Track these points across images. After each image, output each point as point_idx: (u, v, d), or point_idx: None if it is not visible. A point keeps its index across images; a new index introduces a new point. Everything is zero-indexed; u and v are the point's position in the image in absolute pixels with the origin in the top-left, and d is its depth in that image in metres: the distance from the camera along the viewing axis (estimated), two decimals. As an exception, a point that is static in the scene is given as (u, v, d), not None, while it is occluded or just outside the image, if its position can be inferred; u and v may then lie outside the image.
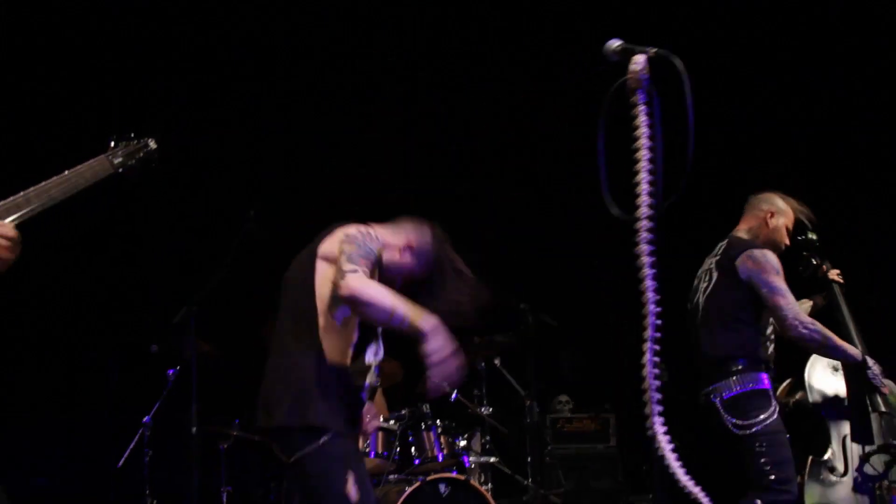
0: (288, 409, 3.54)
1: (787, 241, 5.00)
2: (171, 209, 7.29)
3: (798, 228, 5.16)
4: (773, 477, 4.51)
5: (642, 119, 2.77)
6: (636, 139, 2.78)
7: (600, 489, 7.52)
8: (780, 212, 4.98)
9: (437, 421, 6.23)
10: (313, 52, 7.67)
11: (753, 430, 4.55)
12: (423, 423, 6.20)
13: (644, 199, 2.74)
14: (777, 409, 4.63)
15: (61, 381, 6.89)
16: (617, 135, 2.89)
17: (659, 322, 2.83)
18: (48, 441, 6.84)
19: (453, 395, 6.45)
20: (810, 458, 5.21)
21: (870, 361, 4.95)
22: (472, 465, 6.40)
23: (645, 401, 2.83)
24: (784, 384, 5.32)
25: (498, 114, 8.12)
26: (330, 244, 3.65)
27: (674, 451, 2.91)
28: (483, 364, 6.63)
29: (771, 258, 4.71)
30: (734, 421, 4.58)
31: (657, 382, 2.87)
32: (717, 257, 4.87)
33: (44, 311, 6.82)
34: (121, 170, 2.84)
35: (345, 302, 3.46)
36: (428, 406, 6.27)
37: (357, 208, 7.68)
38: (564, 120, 7.57)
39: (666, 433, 2.90)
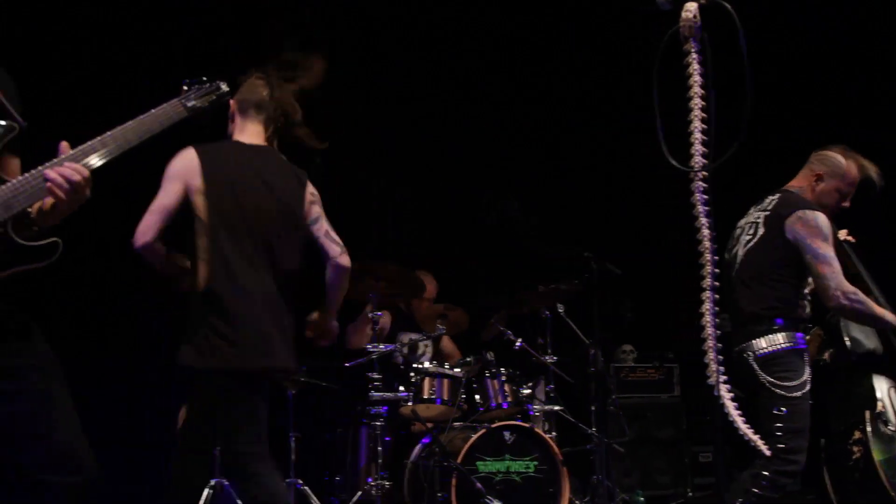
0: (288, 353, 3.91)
1: (845, 204, 4.84)
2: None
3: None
4: (782, 445, 4.40)
5: (695, 68, 2.78)
6: (689, 88, 2.79)
7: (663, 439, 7.56)
8: (831, 174, 4.80)
9: (502, 369, 6.29)
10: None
11: (780, 391, 4.47)
12: (487, 371, 6.26)
13: (697, 149, 2.76)
14: (809, 375, 4.54)
15: (130, 325, 7.01)
16: (673, 83, 2.89)
17: (717, 271, 2.86)
18: (118, 384, 7.00)
19: (518, 343, 6.49)
20: (867, 412, 5.14)
21: None
22: (537, 413, 6.46)
23: (705, 349, 2.86)
24: (813, 333, 5.16)
25: (558, 66, 8.07)
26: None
27: (734, 399, 2.95)
28: (548, 312, 6.65)
29: (822, 222, 4.57)
30: (769, 380, 4.49)
31: (717, 332, 2.90)
32: (767, 212, 4.73)
33: (106, 254, 6.90)
34: (193, 113, 2.89)
35: None
36: (492, 354, 6.33)
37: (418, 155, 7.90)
38: (622, 68, 7.51)
39: (726, 382, 2.93)
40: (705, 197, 2.74)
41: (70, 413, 2.58)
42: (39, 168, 2.52)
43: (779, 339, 4.54)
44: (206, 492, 5.82)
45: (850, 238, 5.38)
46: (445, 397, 6.13)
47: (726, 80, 2.82)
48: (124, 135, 2.64)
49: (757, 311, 4.62)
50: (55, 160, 2.53)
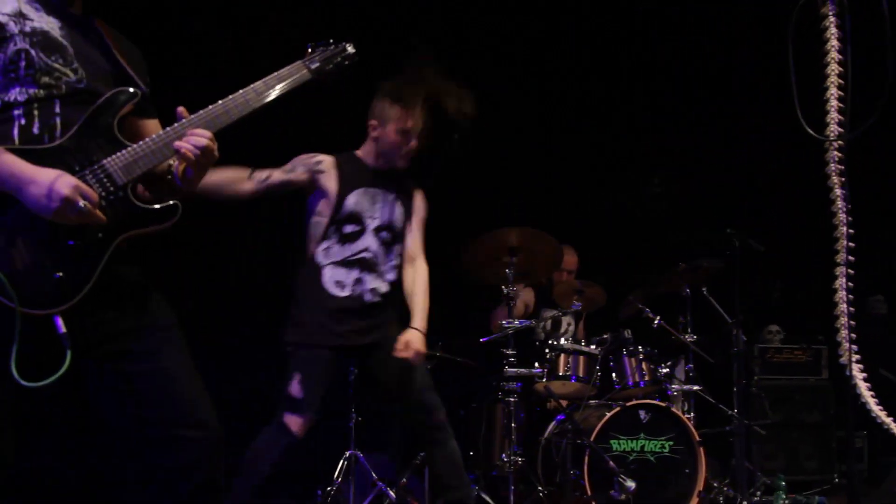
0: None
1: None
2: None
3: None
4: None
5: (832, 32, 2.64)
6: (826, 53, 2.65)
7: (810, 422, 7.31)
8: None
9: (639, 347, 6.18)
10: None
11: None
12: (624, 349, 6.17)
13: (833, 118, 2.61)
14: None
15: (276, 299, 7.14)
16: (810, 50, 2.75)
17: (853, 245, 2.72)
18: (266, 359, 7.16)
19: (656, 322, 6.36)
20: None
21: None
22: (675, 393, 6.33)
23: (838, 327, 2.73)
24: None
25: (691, 35, 7.82)
26: None
27: (866, 380, 2.80)
28: (688, 290, 6.49)
29: None
30: None
31: (851, 309, 2.77)
32: None
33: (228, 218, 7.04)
34: (318, 75, 2.89)
35: None
36: (630, 332, 6.23)
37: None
38: (756, 34, 7.22)
39: (859, 362, 2.79)
40: (841, 168, 2.60)
41: (193, 374, 2.65)
42: (160, 133, 2.58)
43: None
44: (341, 463, 6.00)
45: None
46: (581, 374, 6.08)
47: (866, 45, 2.67)
48: (246, 98, 2.67)
49: None
50: (176, 125, 2.58)
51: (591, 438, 5.58)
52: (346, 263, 4.32)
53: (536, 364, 6.07)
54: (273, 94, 2.74)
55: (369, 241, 4.36)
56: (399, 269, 4.51)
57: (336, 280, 4.32)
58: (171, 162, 2.60)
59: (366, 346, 4.40)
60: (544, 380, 6.04)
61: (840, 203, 2.61)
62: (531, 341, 6.53)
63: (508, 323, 5.74)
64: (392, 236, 4.44)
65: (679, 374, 6.50)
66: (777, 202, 7.98)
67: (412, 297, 4.50)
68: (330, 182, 4.35)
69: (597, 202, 7.95)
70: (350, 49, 2.98)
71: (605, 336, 6.22)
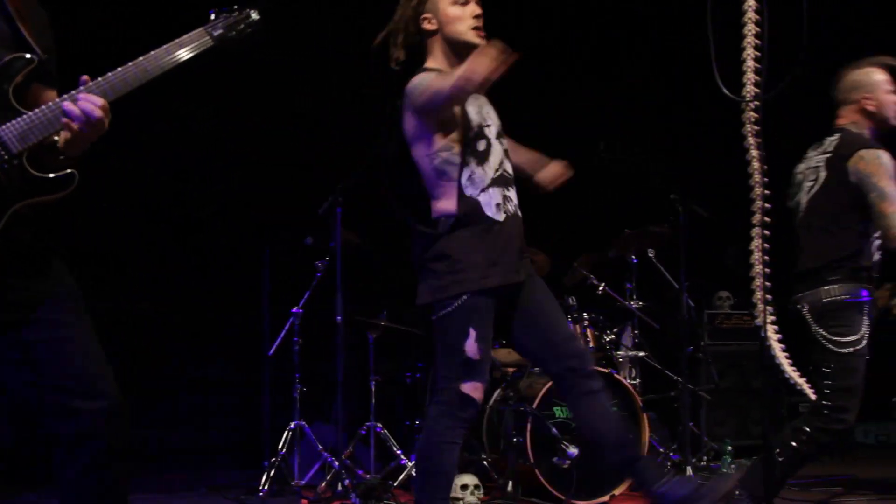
0: None
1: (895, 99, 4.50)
2: (320, 101, 7.34)
3: None
4: (829, 402, 4.19)
5: (751, 16, 2.62)
6: (743, 14, 2.62)
7: (759, 388, 7.33)
8: (872, 87, 4.47)
9: (584, 314, 6.16)
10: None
11: (830, 346, 4.20)
12: (569, 317, 6.13)
13: (749, 78, 2.58)
14: (867, 331, 4.27)
15: (222, 275, 7.12)
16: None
17: (769, 206, 2.69)
18: (213, 333, 7.14)
19: (601, 288, 6.36)
20: None
21: None
22: (621, 360, 6.32)
23: (753, 289, 2.71)
24: (883, 289, 4.86)
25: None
26: None
27: (781, 341, 2.79)
28: (634, 257, 6.48)
29: (885, 160, 4.26)
30: (822, 332, 4.21)
31: (767, 271, 2.75)
32: (829, 154, 4.40)
33: (204, 209, 7.05)
34: (221, 42, 2.82)
35: None
36: (574, 299, 6.20)
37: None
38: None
39: (774, 323, 2.78)
40: (756, 128, 2.57)
41: (92, 342, 2.58)
42: (57, 100, 2.51)
43: (837, 291, 4.26)
44: (286, 434, 5.97)
45: None
46: (526, 342, 6.04)
47: (782, 9, 2.63)
48: (146, 64, 2.60)
49: (818, 261, 4.33)
50: (73, 92, 2.51)
51: (534, 405, 5.56)
52: (494, 183, 3.71)
53: (481, 332, 6.03)
54: (174, 61, 2.67)
55: (498, 151, 3.79)
56: None
57: (495, 203, 3.70)
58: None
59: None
60: (489, 348, 6.00)
61: (756, 164, 2.58)
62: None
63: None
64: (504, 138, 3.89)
65: (626, 340, 6.50)
66: (726, 168, 7.96)
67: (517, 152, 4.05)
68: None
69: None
70: (255, 16, 2.90)
71: (551, 303, 6.19)
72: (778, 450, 4.20)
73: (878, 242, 4.39)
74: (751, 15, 2.55)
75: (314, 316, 6.25)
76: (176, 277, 7.19)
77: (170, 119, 6.90)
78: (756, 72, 2.54)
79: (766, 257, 2.63)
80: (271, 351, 6.18)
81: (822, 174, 4.41)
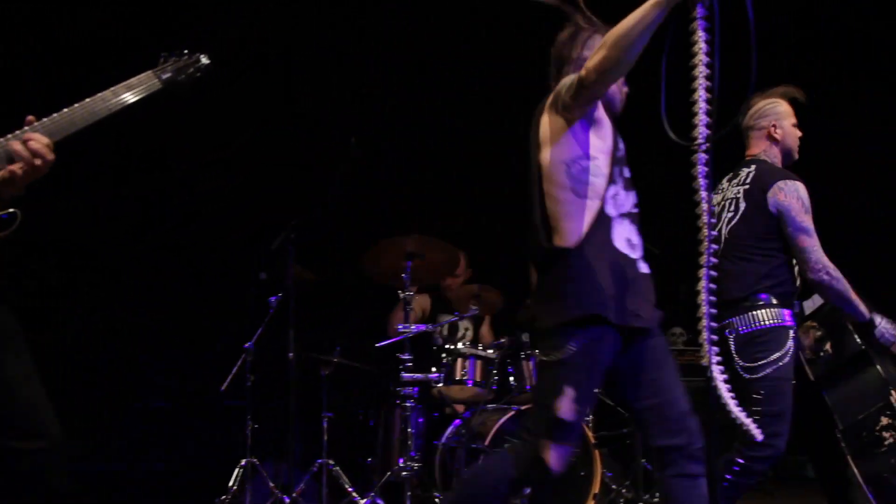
0: None
1: (799, 133, 4.67)
2: (273, 137, 7.35)
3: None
4: (759, 429, 4.12)
5: (701, 36, 2.66)
6: (694, 57, 2.67)
7: (713, 424, 7.37)
8: (779, 117, 4.63)
9: (538, 351, 6.17)
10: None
11: (758, 374, 4.29)
12: (522, 353, 6.17)
13: (701, 120, 2.63)
14: (791, 351, 4.34)
15: (175, 311, 7.08)
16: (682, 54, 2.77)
17: (716, 247, 2.74)
18: (164, 367, 7.08)
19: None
20: (891, 395, 4.94)
21: (878, 319, 4.52)
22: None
23: (699, 329, 2.74)
24: (805, 326, 4.95)
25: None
26: None
27: (727, 381, 2.83)
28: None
29: (802, 192, 4.40)
30: (742, 364, 4.31)
31: (713, 311, 2.79)
32: (746, 186, 4.54)
33: (156, 242, 7.01)
34: (170, 86, 2.83)
35: None
36: (528, 335, 6.23)
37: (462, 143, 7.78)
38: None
39: (720, 363, 2.82)
40: (706, 169, 2.62)
41: (28, 380, 2.55)
42: (1, 139, 2.50)
43: (761, 317, 4.36)
44: (236, 471, 5.92)
45: None
46: (478, 379, 6.07)
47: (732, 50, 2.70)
48: (94, 106, 2.60)
49: (741, 289, 4.43)
50: (18, 131, 2.50)
51: (486, 443, 5.58)
52: (631, 216, 3.37)
53: (434, 369, 6.04)
54: (121, 104, 2.67)
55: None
56: None
57: (626, 238, 3.34)
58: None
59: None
60: (441, 384, 6.02)
61: (704, 206, 2.63)
62: (429, 346, 6.51)
63: (405, 327, 5.77)
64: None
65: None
66: (677, 204, 8.06)
67: None
68: (600, 110, 3.35)
69: (498, 206, 7.96)
70: (204, 60, 2.92)
71: (503, 340, 6.22)
72: (717, 486, 4.18)
73: (798, 269, 4.52)
74: (701, 57, 2.60)
75: (267, 352, 6.22)
76: (128, 310, 7.13)
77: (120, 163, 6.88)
78: (707, 113, 2.58)
79: (713, 297, 2.67)
80: (223, 387, 6.14)
81: (742, 205, 4.53)
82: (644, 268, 3.42)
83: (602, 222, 3.26)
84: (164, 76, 2.80)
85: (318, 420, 6.22)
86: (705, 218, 2.63)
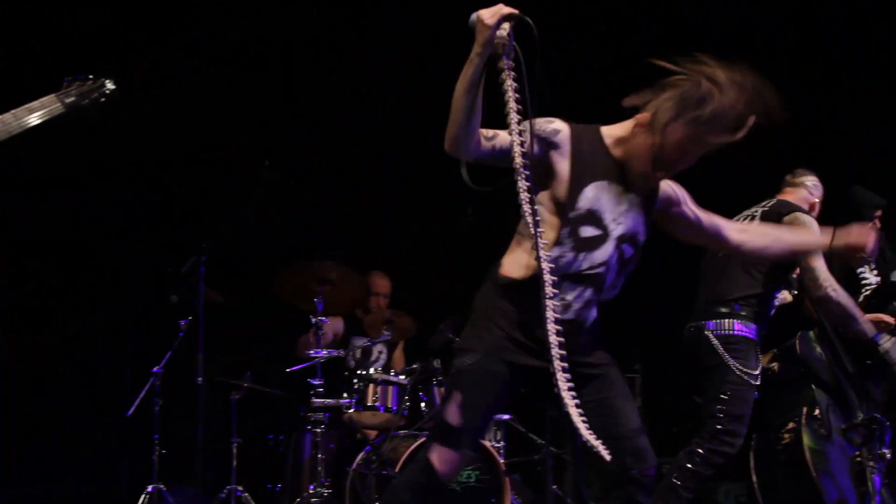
0: None
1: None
2: (183, 158, 7.31)
3: None
4: (721, 427, 4.55)
5: (509, 83, 2.80)
6: (506, 102, 2.76)
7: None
8: (817, 192, 5.19)
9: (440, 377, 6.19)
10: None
11: (729, 374, 4.59)
12: (434, 379, 6.16)
13: (516, 151, 2.74)
14: (759, 367, 4.67)
15: (80, 333, 6.99)
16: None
17: (554, 279, 2.79)
18: (69, 391, 6.97)
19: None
20: (804, 408, 5.17)
21: (884, 338, 4.95)
22: (486, 423, 6.33)
23: (550, 358, 2.76)
24: (768, 354, 5.26)
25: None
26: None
27: (579, 406, 2.84)
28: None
29: (815, 226, 4.71)
30: (733, 361, 4.60)
31: (560, 340, 2.82)
32: (766, 208, 4.90)
33: (66, 261, 6.92)
34: (73, 110, 2.81)
35: None
36: (439, 361, 6.23)
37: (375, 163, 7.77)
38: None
39: (571, 389, 2.84)
40: (529, 196, 2.72)
41: None
42: None
43: (738, 325, 4.66)
44: (142, 497, 5.85)
45: None
46: (389, 405, 6.04)
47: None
48: None
49: (727, 294, 4.75)
50: None
51: (397, 469, 5.54)
52: (578, 278, 3.24)
53: (345, 394, 6.02)
54: (22, 126, 2.65)
55: (610, 252, 3.26)
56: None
57: (562, 297, 3.16)
58: None
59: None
60: (352, 410, 6.00)
61: (539, 242, 2.68)
62: (341, 371, 6.48)
63: (316, 352, 5.76)
64: (635, 252, 3.36)
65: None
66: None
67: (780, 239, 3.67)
68: (562, 162, 3.20)
69: (411, 231, 7.96)
70: (109, 85, 2.90)
71: (416, 366, 6.21)
72: (675, 474, 4.51)
73: (776, 304, 4.88)
74: (512, 105, 2.70)
75: (176, 376, 6.16)
76: (35, 331, 7.02)
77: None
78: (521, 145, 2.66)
79: (559, 327, 2.70)
80: (130, 411, 6.07)
81: (756, 223, 4.82)
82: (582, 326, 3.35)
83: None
84: (68, 100, 2.78)
85: (228, 445, 6.17)
86: (542, 254, 2.66)
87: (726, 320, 4.69)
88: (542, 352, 2.97)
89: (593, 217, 3.20)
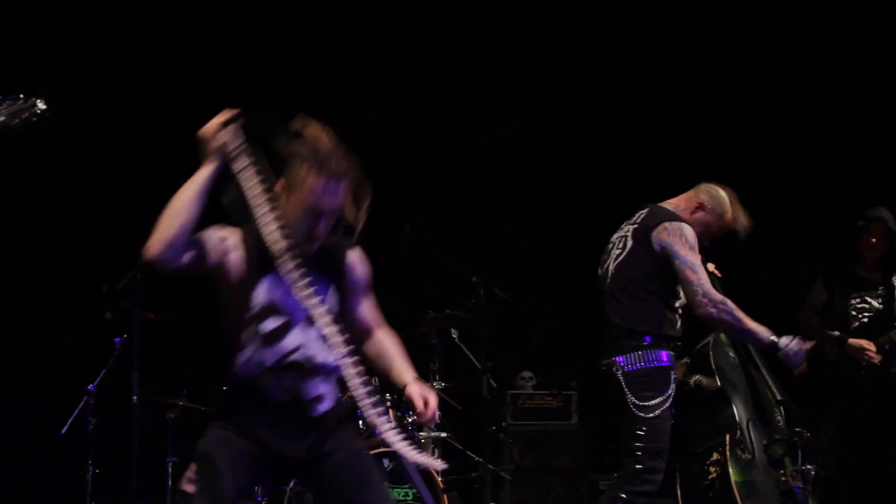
0: None
1: (706, 243, 4.78)
2: (120, 172, 7.25)
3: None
4: (640, 466, 4.42)
5: (249, 179, 3.06)
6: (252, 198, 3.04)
7: (561, 467, 7.41)
8: (712, 210, 4.77)
9: (387, 395, 6.18)
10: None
11: (641, 413, 4.45)
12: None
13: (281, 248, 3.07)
14: (673, 393, 4.50)
15: (11, 348, 6.87)
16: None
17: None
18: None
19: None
20: (727, 436, 5.18)
21: (784, 341, 4.52)
22: (423, 440, 6.36)
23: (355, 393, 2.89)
24: (681, 363, 5.20)
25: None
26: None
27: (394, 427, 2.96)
28: (436, 339, 6.57)
29: (687, 232, 4.54)
30: (632, 399, 4.47)
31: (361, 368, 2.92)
32: (636, 225, 4.69)
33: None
34: (3, 129, 2.77)
35: None
36: (377, 380, 6.21)
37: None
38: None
39: (383, 414, 2.95)
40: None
41: None
42: None
43: (644, 357, 4.49)
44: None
45: (716, 272, 5.37)
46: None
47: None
48: None
49: (625, 326, 4.56)
50: None
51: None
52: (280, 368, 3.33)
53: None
54: None
55: (300, 337, 3.33)
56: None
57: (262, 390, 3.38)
58: None
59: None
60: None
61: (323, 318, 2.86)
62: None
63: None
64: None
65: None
66: (528, 252, 8.24)
67: (387, 361, 3.66)
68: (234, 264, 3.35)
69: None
70: (41, 105, 2.88)
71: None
72: None
73: (680, 311, 4.64)
74: (256, 187, 3.05)
75: (110, 394, 6.08)
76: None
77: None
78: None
79: (368, 386, 2.87)
80: (63, 430, 5.98)
81: (630, 243, 4.66)
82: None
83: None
84: None
85: (163, 465, 6.13)
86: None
87: (632, 354, 4.50)
88: None
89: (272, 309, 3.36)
